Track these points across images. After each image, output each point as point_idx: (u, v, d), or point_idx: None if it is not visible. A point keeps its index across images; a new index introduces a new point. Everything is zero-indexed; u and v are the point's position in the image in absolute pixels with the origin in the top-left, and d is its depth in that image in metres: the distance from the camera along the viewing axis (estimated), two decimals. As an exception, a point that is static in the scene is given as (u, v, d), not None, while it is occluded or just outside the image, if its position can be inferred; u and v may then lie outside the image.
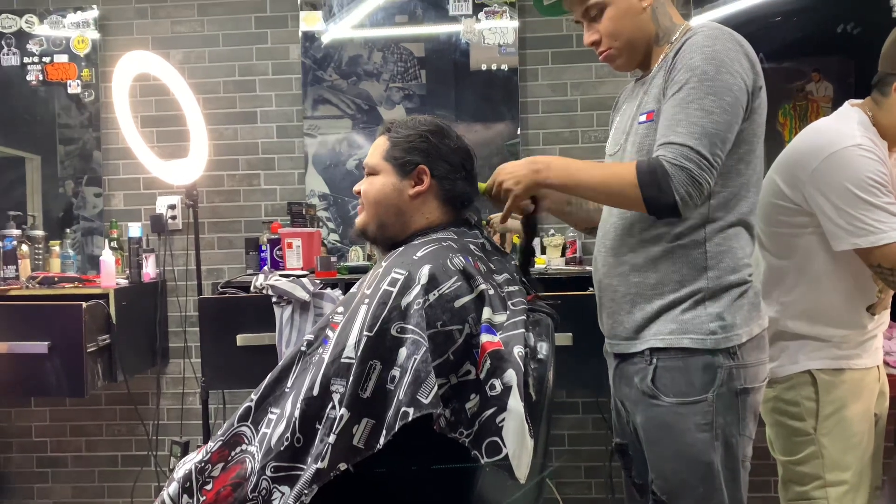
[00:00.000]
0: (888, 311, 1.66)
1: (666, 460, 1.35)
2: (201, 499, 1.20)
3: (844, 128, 1.57)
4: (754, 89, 1.31)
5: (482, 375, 1.15)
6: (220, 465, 1.22)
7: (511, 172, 1.36)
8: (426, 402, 1.08)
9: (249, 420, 1.26)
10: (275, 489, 1.15)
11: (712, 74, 1.26)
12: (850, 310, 1.60)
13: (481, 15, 2.81)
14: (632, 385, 1.39)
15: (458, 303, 1.18)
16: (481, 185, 1.43)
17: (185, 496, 1.21)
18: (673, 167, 1.22)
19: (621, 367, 1.43)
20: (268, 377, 1.29)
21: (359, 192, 1.41)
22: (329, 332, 1.28)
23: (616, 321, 1.42)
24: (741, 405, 1.33)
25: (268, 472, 1.16)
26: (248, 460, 1.21)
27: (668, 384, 1.33)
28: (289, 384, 1.27)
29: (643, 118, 1.38)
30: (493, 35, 2.82)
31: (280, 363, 1.31)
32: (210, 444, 1.26)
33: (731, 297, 1.33)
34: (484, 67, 2.83)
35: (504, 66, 2.82)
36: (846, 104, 1.65)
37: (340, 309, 1.31)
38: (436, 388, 1.09)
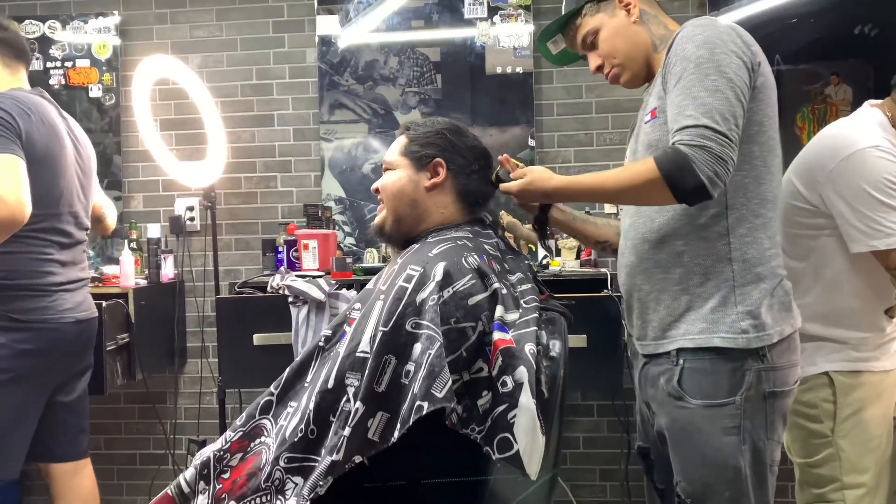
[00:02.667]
0: None
1: (692, 464, 1.31)
2: (217, 486, 1.22)
3: (863, 129, 1.56)
4: (753, 65, 1.28)
5: (494, 373, 1.16)
6: (239, 456, 1.24)
7: (525, 178, 1.38)
8: (440, 396, 1.09)
9: (270, 413, 1.28)
10: (288, 479, 1.17)
11: (707, 56, 1.24)
12: (868, 312, 1.59)
13: (496, 18, 2.82)
14: (657, 386, 1.36)
15: (472, 300, 1.19)
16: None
17: (202, 482, 1.23)
18: (691, 148, 1.19)
19: (647, 368, 1.40)
20: (286, 372, 1.31)
21: (377, 191, 1.43)
22: (346, 328, 1.30)
23: (645, 321, 1.39)
24: (769, 409, 1.29)
25: (281, 463, 1.18)
26: (264, 451, 1.23)
27: (695, 386, 1.29)
28: (308, 379, 1.29)
29: (647, 118, 1.38)
30: (509, 38, 2.83)
31: (298, 358, 1.33)
32: (229, 433, 1.27)
33: (762, 293, 1.28)
34: (499, 70, 2.84)
35: (519, 69, 2.83)
36: (865, 104, 1.64)
37: (357, 305, 1.33)
38: (450, 382, 1.10)
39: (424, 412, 1.08)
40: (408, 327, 1.16)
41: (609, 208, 2.76)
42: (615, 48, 1.43)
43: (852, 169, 1.51)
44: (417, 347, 1.14)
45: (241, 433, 1.26)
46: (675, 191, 1.21)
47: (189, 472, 1.25)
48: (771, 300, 1.29)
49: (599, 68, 1.47)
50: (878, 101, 1.63)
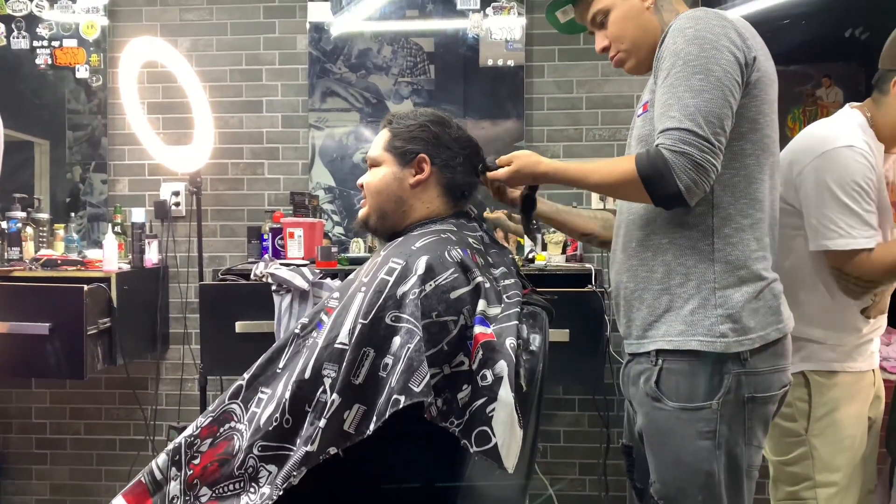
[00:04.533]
0: (885, 315, 1.66)
1: (666, 465, 1.31)
2: (188, 472, 1.22)
3: (841, 128, 1.57)
4: (747, 61, 1.24)
5: (474, 366, 1.16)
6: (209, 441, 1.24)
7: (513, 164, 1.36)
8: (417, 390, 1.09)
9: (240, 398, 1.27)
10: (262, 467, 1.16)
11: (696, 53, 1.20)
12: (844, 313, 1.60)
13: (489, 10, 2.81)
14: (637, 385, 1.35)
15: (454, 294, 1.19)
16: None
17: (174, 468, 1.23)
18: (672, 154, 1.17)
19: (629, 367, 1.40)
20: (261, 357, 1.30)
21: (362, 186, 1.43)
22: (324, 317, 1.29)
23: (630, 319, 1.38)
24: (748, 414, 1.26)
25: (255, 451, 1.17)
26: (235, 437, 1.23)
27: (672, 388, 1.28)
28: (281, 365, 1.28)
29: (640, 110, 1.37)
30: (501, 31, 2.82)
31: (274, 344, 1.32)
32: (200, 419, 1.27)
33: (744, 295, 1.26)
34: (491, 63, 2.83)
35: (511, 62, 2.82)
36: (846, 106, 1.65)
37: (336, 294, 1.32)
38: (428, 377, 1.10)
39: (401, 406, 1.08)
40: (387, 320, 1.16)
41: (596, 202, 2.77)
42: (624, 33, 1.38)
43: (824, 166, 1.52)
44: (396, 341, 1.14)
45: (210, 418, 1.26)
46: (652, 195, 1.21)
47: (161, 458, 1.24)
48: (756, 303, 1.26)
49: (605, 49, 1.43)
50: (859, 104, 1.63)
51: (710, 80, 1.19)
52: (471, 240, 1.34)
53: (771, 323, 1.27)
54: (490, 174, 1.40)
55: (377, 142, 1.43)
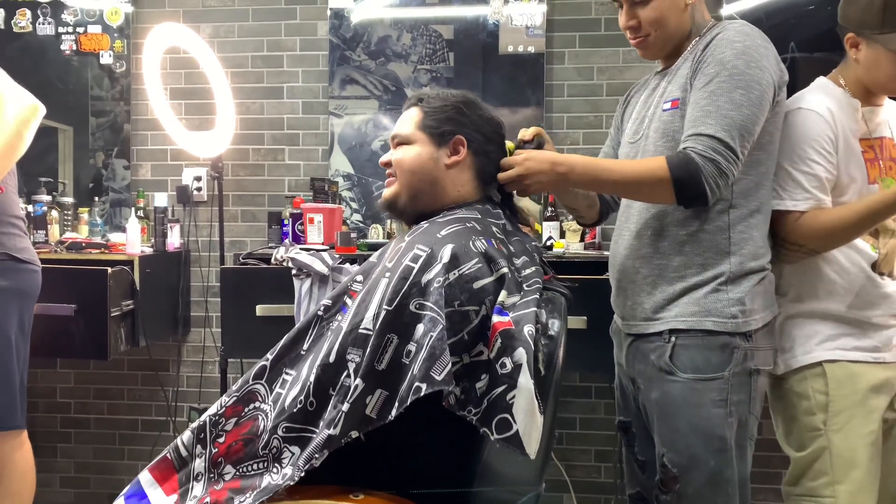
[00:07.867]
0: None
1: (680, 434, 1.39)
2: (213, 450, 1.24)
3: (802, 94, 1.58)
4: (781, 84, 1.38)
5: (493, 355, 1.16)
6: (234, 420, 1.25)
7: (536, 172, 1.37)
8: (439, 378, 1.09)
9: (264, 379, 1.29)
10: (285, 448, 1.18)
11: (742, 69, 1.31)
12: (852, 272, 1.54)
13: (510, -4, 2.80)
14: (647, 362, 1.43)
15: (478, 284, 1.19)
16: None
17: (199, 446, 1.25)
18: (703, 159, 1.28)
19: (636, 345, 1.47)
20: (284, 338, 1.32)
21: (386, 164, 1.41)
22: (347, 300, 1.31)
23: (635, 302, 1.46)
24: (753, 385, 1.39)
25: (279, 432, 1.19)
26: (260, 417, 1.24)
27: (686, 361, 1.38)
28: (304, 347, 1.30)
29: (667, 106, 1.41)
30: (521, 17, 2.80)
31: (297, 325, 1.34)
32: (224, 398, 1.29)
33: (751, 282, 1.39)
34: (511, 49, 2.82)
35: (531, 49, 2.81)
36: (819, 77, 1.64)
37: (359, 277, 1.33)
38: (449, 365, 1.10)
39: (423, 394, 1.09)
40: (411, 308, 1.16)
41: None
42: (664, 21, 1.43)
43: (788, 126, 1.52)
44: (420, 328, 1.15)
45: (235, 398, 1.28)
46: (680, 195, 1.31)
47: (186, 436, 1.26)
48: (758, 288, 1.40)
49: (632, 28, 1.46)
50: (833, 73, 1.62)
51: (750, 96, 1.30)
52: (494, 228, 1.34)
53: (768, 306, 1.43)
54: (504, 181, 1.40)
55: (407, 120, 1.40)
